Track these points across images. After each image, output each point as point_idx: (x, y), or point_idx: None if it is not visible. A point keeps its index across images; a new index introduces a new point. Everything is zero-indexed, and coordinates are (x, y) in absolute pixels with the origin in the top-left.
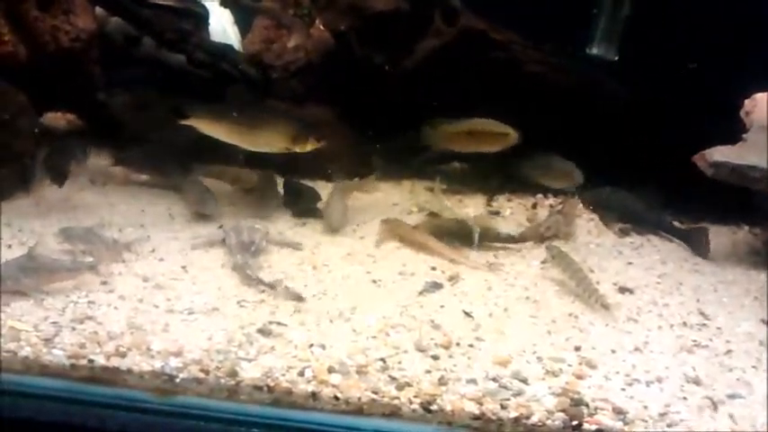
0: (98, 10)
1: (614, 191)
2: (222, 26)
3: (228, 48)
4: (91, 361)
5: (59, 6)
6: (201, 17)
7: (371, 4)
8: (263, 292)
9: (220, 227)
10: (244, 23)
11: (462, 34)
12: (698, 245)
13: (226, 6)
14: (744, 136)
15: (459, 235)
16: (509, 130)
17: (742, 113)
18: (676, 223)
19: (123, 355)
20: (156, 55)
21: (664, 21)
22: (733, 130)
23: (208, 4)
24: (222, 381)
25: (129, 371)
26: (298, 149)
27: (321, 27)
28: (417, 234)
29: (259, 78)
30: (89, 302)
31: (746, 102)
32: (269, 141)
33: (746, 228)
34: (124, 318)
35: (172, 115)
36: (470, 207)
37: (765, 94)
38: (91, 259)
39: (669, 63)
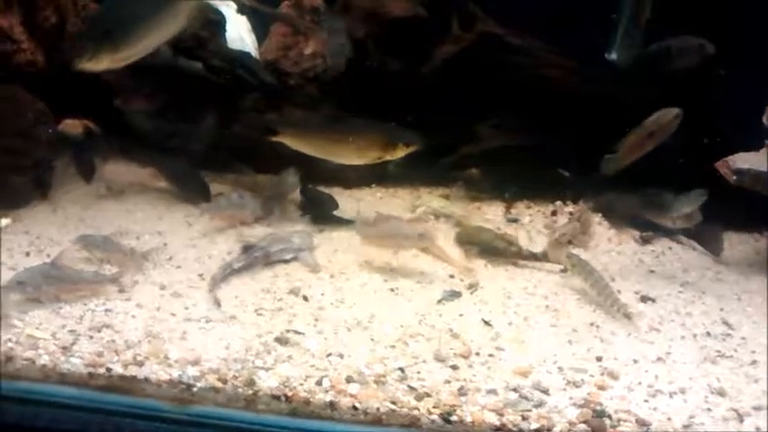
0: None
1: (625, 196)
2: (239, 33)
3: (245, 55)
4: (109, 369)
5: (78, 14)
6: (218, 24)
7: (389, 11)
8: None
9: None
10: (261, 31)
11: (480, 39)
12: (710, 243)
13: (243, 13)
14: (766, 142)
15: (483, 246)
16: None
17: (764, 119)
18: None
19: (141, 364)
20: (173, 62)
21: (685, 26)
22: (756, 137)
23: (225, 12)
24: (240, 390)
25: (147, 380)
26: (389, 157)
27: None
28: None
29: (276, 85)
30: (106, 311)
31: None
32: (360, 152)
33: None
34: (141, 326)
35: (263, 133)
36: (489, 214)
37: None
38: (112, 271)
39: (693, 69)
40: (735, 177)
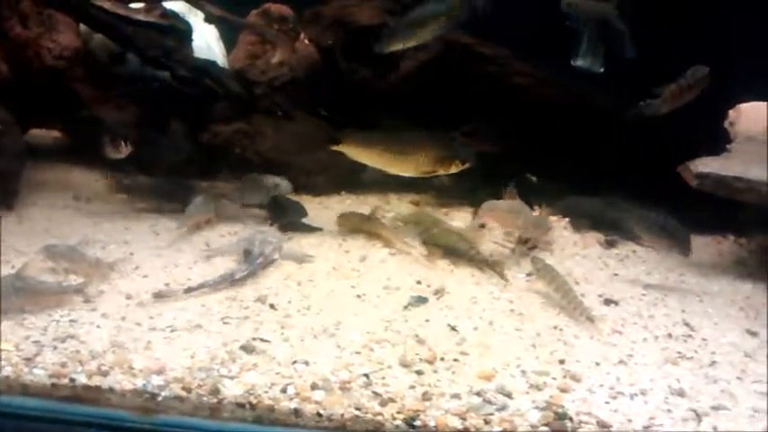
0: (82, 27)
1: (588, 199)
2: (207, 42)
3: (212, 64)
4: (72, 380)
5: (42, 24)
6: (185, 33)
7: (356, 19)
8: (247, 308)
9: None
10: (230, 40)
11: (448, 48)
12: (678, 243)
13: (210, 22)
14: (728, 146)
15: (446, 247)
16: None
17: (726, 124)
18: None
19: (105, 374)
20: (141, 72)
21: (649, 32)
22: (717, 141)
23: (192, 21)
24: (204, 399)
25: (111, 389)
26: (443, 171)
27: (306, 42)
28: (370, 223)
29: (243, 94)
30: (71, 321)
31: (730, 112)
32: (416, 165)
33: (732, 238)
34: (106, 336)
35: (326, 141)
36: (457, 220)
37: (749, 104)
38: (77, 281)
39: (655, 74)
40: (696, 181)
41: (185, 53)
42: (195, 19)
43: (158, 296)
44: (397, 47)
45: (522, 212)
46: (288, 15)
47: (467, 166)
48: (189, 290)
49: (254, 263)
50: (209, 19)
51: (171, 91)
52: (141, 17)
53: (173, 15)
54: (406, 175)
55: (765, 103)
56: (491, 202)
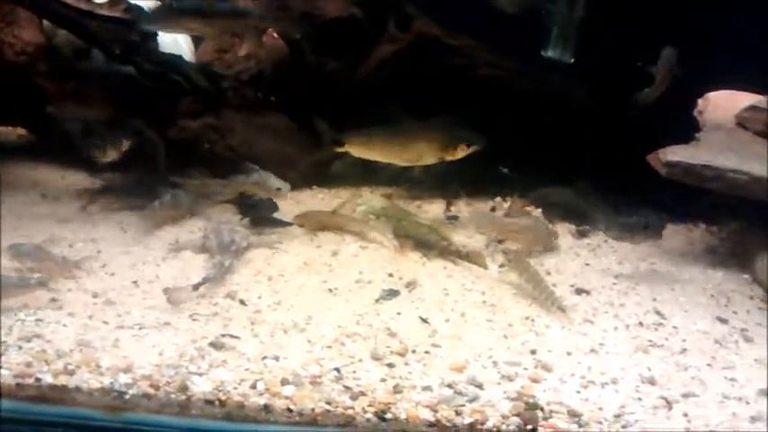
0: (47, 23)
1: (560, 190)
2: (173, 37)
3: (178, 58)
4: (38, 380)
5: (3, 19)
6: None
7: (324, 11)
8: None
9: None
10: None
11: (417, 40)
12: (649, 231)
13: None
14: (697, 135)
15: (417, 239)
16: None
17: (695, 113)
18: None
19: (72, 373)
20: (106, 68)
21: (618, 22)
22: (687, 130)
23: None
24: (173, 396)
25: (78, 389)
26: (450, 157)
27: (275, 35)
28: (335, 218)
29: (210, 88)
30: (37, 320)
31: (700, 101)
32: (422, 154)
33: (703, 226)
34: (73, 335)
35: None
36: (430, 212)
37: (718, 93)
38: (38, 275)
39: (623, 64)
40: (665, 170)
41: (150, 48)
42: None
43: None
44: None
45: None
46: (254, 9)
47: (474, 148)
48: (196, 286)
49: (229, 249)
50: None
51: (138, 86)
52: (104, 12)
53: (137, 10)
54: (414, 164)
55: (734, 91)
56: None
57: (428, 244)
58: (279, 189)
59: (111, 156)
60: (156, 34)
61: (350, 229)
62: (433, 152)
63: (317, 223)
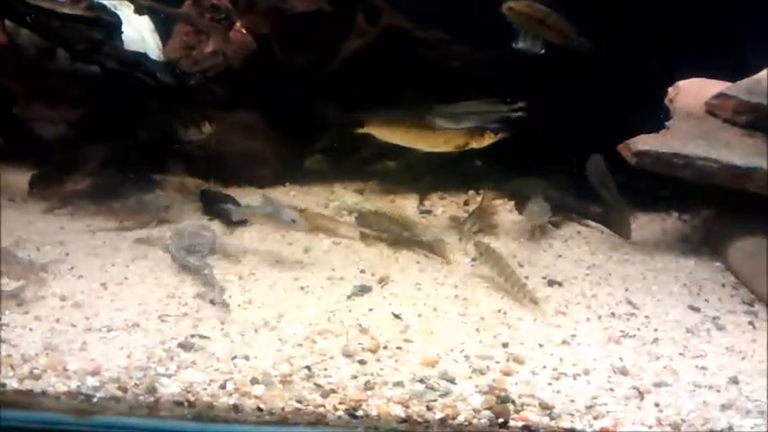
0: (9, 22)
1: (533, 182)
2: (140, 34)
3: (143, 56)
4: (3, 385)
5: None
6: (114, 26)
7: (292, 6)
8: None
9: None
10: (166, 31)
11: (386, 33)
12: (619, 225)
13: (141, 14)
14: (667, 124)
15: (380, 230)
16: None
17: (666, 101)
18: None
19: (38, 378)
20: (71, 67)
21: (588, 10)
22: (657, 118)
23: (124, 13)
24: (141, 398)
25: (44, 393)
26: (476, 145)
27: (243, 31)
28: (306, 213)
29: (175, 85)
30: (2, 325)
31: (670, 89)
32: (447, 141)
33: (676, 215)
34: (40, 339)
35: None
36: (402, 207)
37: (688, 81)
38: (10, 284)
39: (593, 52)
40: (635, 159)
41: (115, 46)
42: (127, 11)
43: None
44: None
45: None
46: (221, 4)
47: (500, 137)
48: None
49: (196, 253)
50: (139, 10)
51: (106, 85)
52: (67, 10)
53: (100, 7)
54: (438, 150)
55: (704, 79)
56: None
57: (390, 235)
58: (293, 221)
59: (196, 135)
60: (120, 32)
61: (321, 225)
62: (458, 139)
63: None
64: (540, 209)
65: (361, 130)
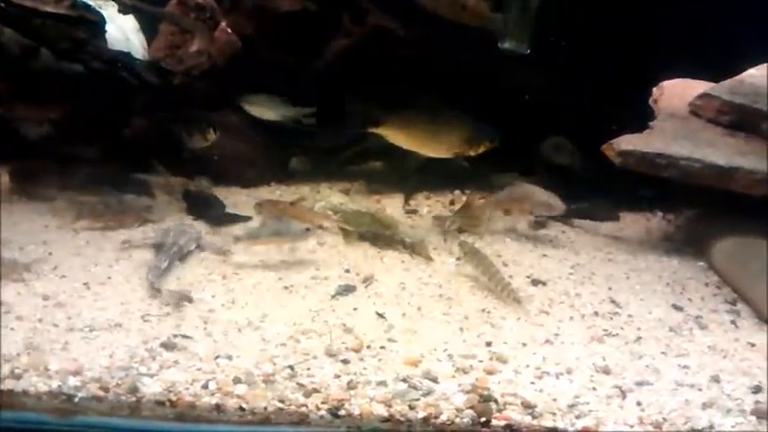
0: None
1: (518, 179)
2: (125, 34)
3: (127, 55)
4: None
5: None
6: (97, 25)
7: (277, 5)
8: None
9: None
10: (151, 30)
11: (372, 33)
12: (603, 214)
13: (125, 13)
14: (651, 124)
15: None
16: None
17: (650, 101)
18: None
19: (19, 377)
20: (55, 66)
21: (573, 11)
22: (642, 118)
23: (108, 12)
24: (123, 398)
25: (26, 392)
26: (472, 153)
27: (228, 30)
28: (291, 208)
29: (160, 85)
30: None
31: (654, 90)
32: (449, 147)
33: (660, 214)
34: (21, 339)
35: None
36: (389, 207)
37: (672, 81)
38: None
39: (578, 53)
40: (619, 159)
41: (98, 45)
42: (112, 10)
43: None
44: None
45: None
46: (206, 4)
47: (494, 144)
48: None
49: (168, 252)
50: (122, 9)
51: (91, 85)
52: (49, 9)
53: (83, 6)
54: (440, 156)
55: (688, 80)
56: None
57: (371, 234)
58: (308, 229)
59: (201, 143)
60: (104, 31)
61: (305, 220)
62: (456, 146)
63: (274, 212)
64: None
65: (374, 130)
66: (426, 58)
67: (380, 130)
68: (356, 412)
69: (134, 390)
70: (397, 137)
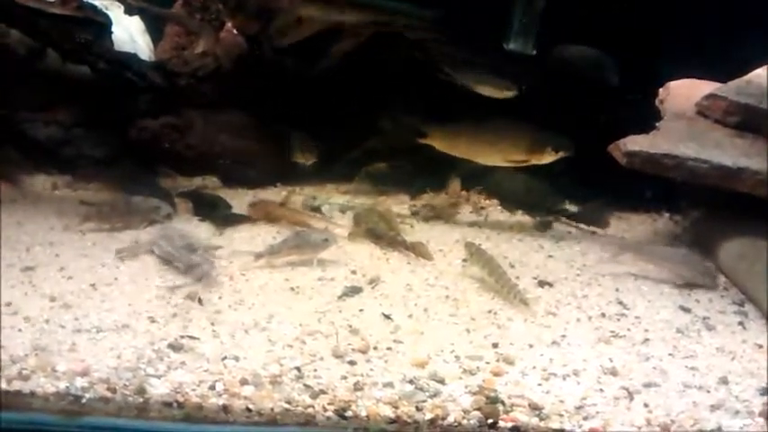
0: None
1: (513, 178)
2: (131, 35)
3: (133, 56)
4: None
5: None
6: (103, 26)
7: (282, 7)
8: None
9: None
10: (157, 32)
11: (377, 34)
12: (596, 219)
13: (131, 14)
14: (657, 124)
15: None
16: None
17: (656, 102)
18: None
19: (26, 378)
20: (61, 67)
21: (579, 12)
22: (648, 119)
23: (115, 13)
24: (130, 399)
25: (33, 394)
26: (536, 161)
27: (234, 31)
28: (283, 209)
29: (165, 86)
30: None
31: (660, 90)
32: (505, 155)
33: (667, 215)
34: (29, 340)
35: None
36: (394, 207)
37: (679, 82)
38: None
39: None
40: (626, 159)
41: (104, 46)
42: (118, 11)
43: None
44: None
45: None
46: (211, 5)
47: (561, 155)
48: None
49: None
50: (128, 11)
51: (97, 86)
52: (56, 10)
53: (90, 8)
54: (496, 164)
55: (694, 80)
56: None
57: (377, 233)
58: (326, 240)
59: (310, 159)
60: (110, 32)
61: (297, 220)
62: (517, 154)
63: (264, 213)
64: None
65: (422, 140)
66: (431, 59)
67: (428, 141)
68: (363, 414)
69: (141, 391)
70: (446, 146)
